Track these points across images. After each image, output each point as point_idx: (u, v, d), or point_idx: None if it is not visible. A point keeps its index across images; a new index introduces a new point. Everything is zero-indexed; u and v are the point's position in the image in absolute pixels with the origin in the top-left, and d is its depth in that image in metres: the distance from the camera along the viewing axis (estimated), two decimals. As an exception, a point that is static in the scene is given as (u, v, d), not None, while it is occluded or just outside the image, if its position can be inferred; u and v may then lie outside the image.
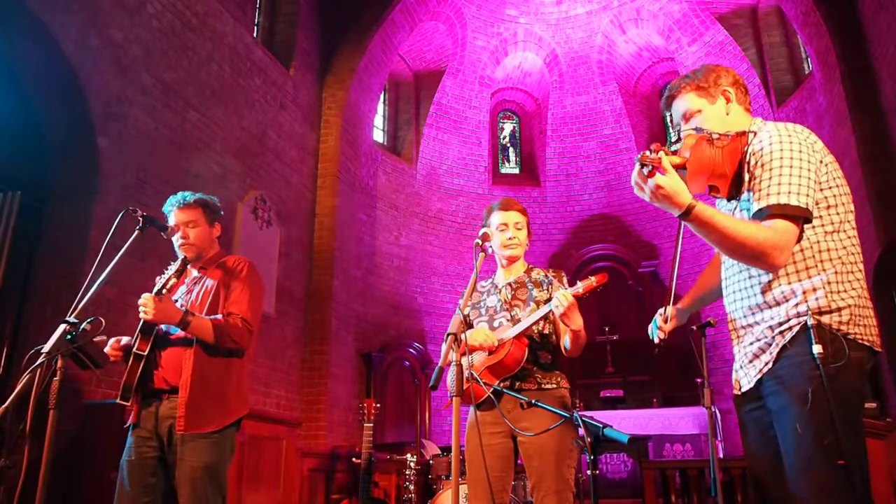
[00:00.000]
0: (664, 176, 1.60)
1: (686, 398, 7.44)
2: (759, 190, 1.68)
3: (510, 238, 2.66)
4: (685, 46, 8.80)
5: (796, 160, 1.67)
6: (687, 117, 1.91)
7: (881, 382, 5.52)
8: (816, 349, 1.58)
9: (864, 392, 1.68)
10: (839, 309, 1.65)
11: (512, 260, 2.71)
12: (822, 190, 1.70)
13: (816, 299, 1.66)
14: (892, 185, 5.47)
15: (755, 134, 1.78)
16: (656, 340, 1.99)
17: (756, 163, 1.71)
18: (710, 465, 3.57)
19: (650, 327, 2.06)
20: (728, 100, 1.88)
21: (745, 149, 1.77)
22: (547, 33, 9.35)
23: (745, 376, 1.81)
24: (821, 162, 1.71)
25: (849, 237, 1.73)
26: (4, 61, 3.99)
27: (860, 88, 5.81)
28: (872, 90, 5.72)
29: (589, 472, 2.00)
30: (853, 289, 1.69)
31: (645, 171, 1.59)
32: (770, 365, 1.71)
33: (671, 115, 1.99)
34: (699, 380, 5.24)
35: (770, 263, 1.65)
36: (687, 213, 1.62)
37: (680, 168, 1.68)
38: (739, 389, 1.86)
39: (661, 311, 2.03)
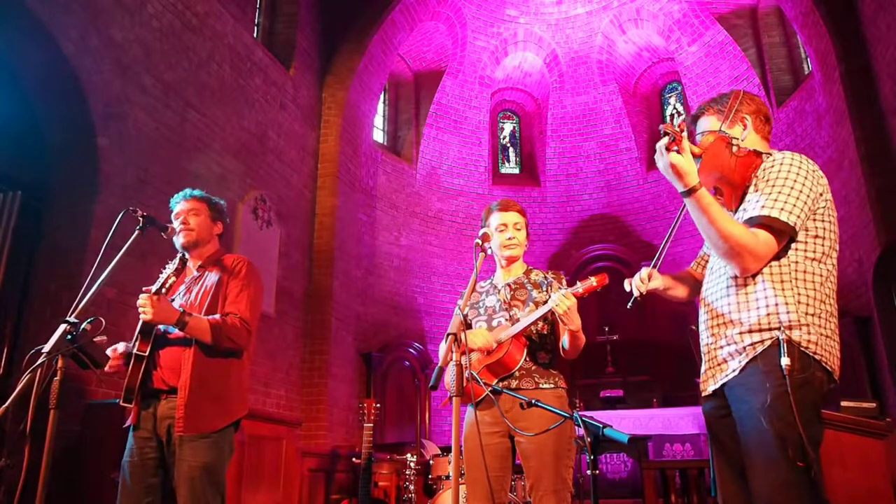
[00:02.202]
0: (679, 155, 1.75)
1: (686, 398, 7.44)
2: (758, 201, 1.80)
3: (509, 238, 2.66)
4: (685, 46, 8.80)
5: (798, 183, 1.79)
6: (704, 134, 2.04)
7: (881, 382, 5.52)
8: (784, 361, 1.69)
9: (820, 410, 1.79)
10: (808, 325, 1.75)
11: (511, 260, 2.71)
12: (815, 220, 1.81)
13: (788, 313, 1.76)
14: (892, 185, 5.47)
15: (770, 156, 1.90)
16: (636, 294, 2.07)
17: (764, 178, 1.84)
18: (709, 465, 3.57)
19: (627, 281, 2.13)
20: (745, 126, 1.99)
21: (757, 170, 1.90)
22: (547, 33, 9.35)
23: (711, 378, 1.91)
24: (821, 195, 1.83)
25: (829, 270, 1.84)
26: (4, 61, 3.99)
27: (860, 89, 5.81)
28: (872, 90, 5.71)
29: (589, 471, 1.99)
30: (824, 316, 1.79)
31: (665, 140, 1.74)
32: (736, 373, 1.81)
33: (695, 129, 2.12)
34: (699, 380, 5.24)
35: (742, 266, 1.78)
36: (690, 193, 1.76)
37: (695, 157, 1.83)
38: (706, 391, 1.95)
39: (644, 269, 2.10)
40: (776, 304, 1.76)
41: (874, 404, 3.73)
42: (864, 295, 5.66)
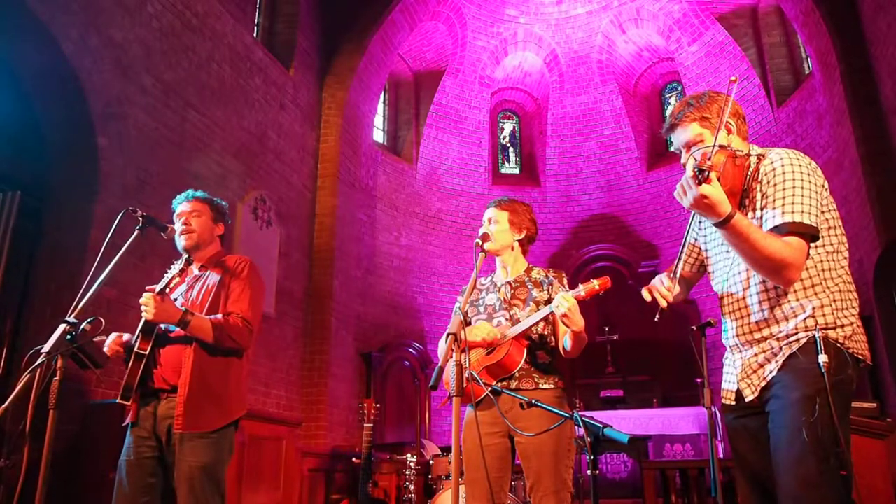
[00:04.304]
0: (710, 185, 1.65)
1: (686, 398, 7.44)
2: (774, 208, 1.76)
3: (483, 234, 2.64)
4: (685, 46, 8.80)
5: (807, 182, 1.76)
6: (689, 146, 1.96)
7: (881, 382, 5.52)
8: (822, 359, 1.67)
9: (850, 410, 1.79)
10: (843, 325, 1.76)
11: (490, 253, 2.68)
12: (823, 212, 1.79)
13: (824, 316, 1.75)
14: (892, 185, 5.47)
15: (762, 157, 1.86)
16: (663, 304, 1.95)
17: (768, 182, 1.80)
18: (710, 465, 3.57)
19: (647, 291, 2.00)
20: (729, 131, 1.93)
21: (750, 170, 1.86)
22: (547, 33, 9.35)
23: (747, 387, 1.86)
24: (822, 187, 1.81)
25: (845, 258, 1.84)
26: (4, 61, 3.99)
27: (860, 88, 5.81)
28: (872, 90, 5.72)
29: (589, 472, 1.99)
30: (853, 307, 1.80)
31: (701, 176, 1.64)
32: (774, 373, 1.79)
33: (671, 139, 2.04)
34: (699, 380, 5.25)
35: (787, 279, 1.74)
36: (726, 222, 1.68)
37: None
38: (733, 400, 1.91)
39: (661, 276, 1.99)
40: (812, 309, 1.76)
41: (874, 404, 3.74)
42: (864, 295, 5.66)
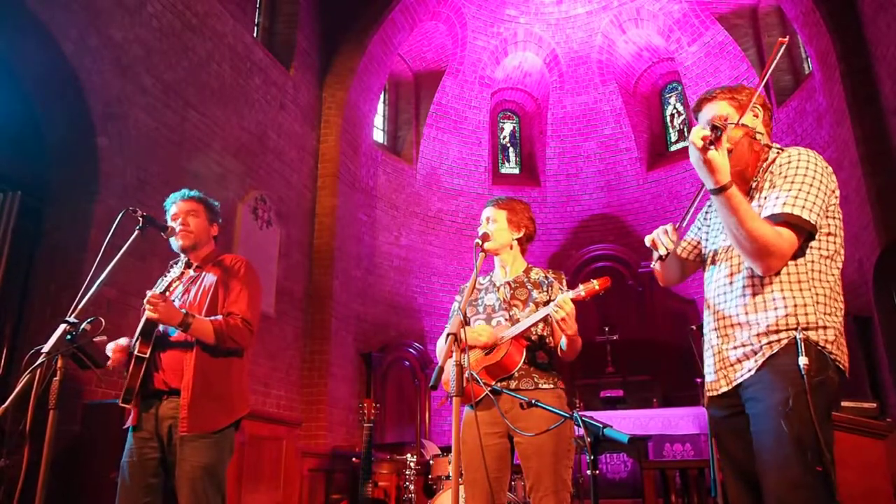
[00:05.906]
0: (717, 151, 1.67)
1: (686, 398, 7.43)
2: (777, 197, 1.76)
3: (483, 234, 2.64)
4: (685, 46, 8.80)
5: (817, 181, 1.77)
6: None
7: (881, 382, 5.52)
8: (802, 361, 1.67)
9: (832, 412, 1.78)
10: (825, 328, 1.74)
11: (489, 253, 2.68)
12: (827, 217, 1.80)
13: (806, 315, 1.74)
14: (892, 185, 5.47)
15: (781, 151, 1.88)
16: (662, 251, 1.99)
17: (780, 173, 1.81)
18: (710, 465, 3.57)
19: (649, 239, 2.05)
20: (756, 115, 1.96)
21: (765, 162, 1.88)
22: (547, 33, 9.35)
23: (723, 378, 1.87)
24: (832, 191, 1.81)
25: (838, 267, 1.83)
26: (4, 61, 3.99)
27: (860, 88, 5.81)
28: (872, 90, 5.71)
29: (589, 472, 1.99)
30: (837, 314, 1.79)
31: (713, 134, 1.66)
32: (753, 372, 1.78)
33: (697, 118, 2.05)
34: (699, 380, 5.25)
35: (766, 265, 1.74)
36: (721, 190, 1.70)
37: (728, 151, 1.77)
38: (716, 391, 1.91)
39: (665, 226, 2.04)
40: (794, 306, 1.74)
41: (874, 404, 3.73)
42: (864, 295, 5.66)
